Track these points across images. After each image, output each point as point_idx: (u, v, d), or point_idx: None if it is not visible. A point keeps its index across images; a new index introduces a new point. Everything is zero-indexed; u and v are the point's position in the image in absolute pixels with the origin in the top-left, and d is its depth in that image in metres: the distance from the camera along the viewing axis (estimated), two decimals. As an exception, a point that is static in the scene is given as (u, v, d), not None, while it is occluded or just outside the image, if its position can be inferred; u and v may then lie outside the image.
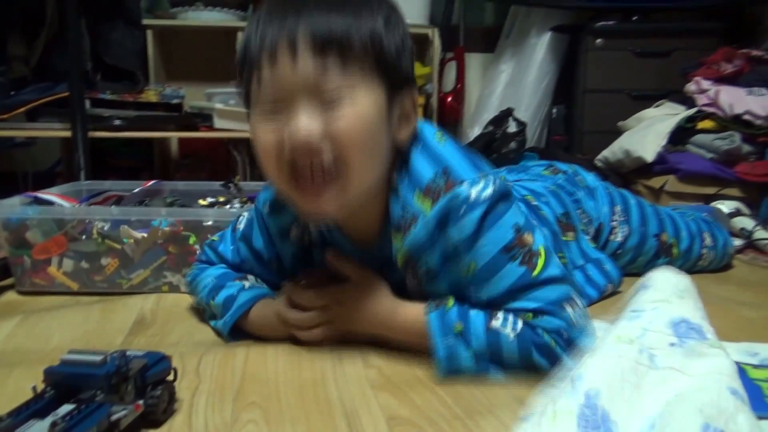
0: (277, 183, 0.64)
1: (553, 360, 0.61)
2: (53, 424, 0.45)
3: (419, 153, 0.66)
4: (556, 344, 0.61)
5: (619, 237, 1.00)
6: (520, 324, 0.62)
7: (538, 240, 0.65)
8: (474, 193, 0.62)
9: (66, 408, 0.48)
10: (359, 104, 0.59)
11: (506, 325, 0.62)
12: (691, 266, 1.08)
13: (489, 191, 0.62)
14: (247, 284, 0.77)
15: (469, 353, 0.63)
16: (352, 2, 0.59)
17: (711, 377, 0.48)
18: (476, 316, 0.64)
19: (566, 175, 1.01)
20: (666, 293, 0.59)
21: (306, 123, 0.57)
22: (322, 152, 0.58)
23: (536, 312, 0.62)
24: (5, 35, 1.58)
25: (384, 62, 0.60)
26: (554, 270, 0.64)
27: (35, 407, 0.48)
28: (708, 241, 1.09)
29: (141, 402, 0.52)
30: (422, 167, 0.65)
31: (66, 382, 0.50)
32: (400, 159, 0.66)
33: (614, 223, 1.00)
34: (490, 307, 0.64)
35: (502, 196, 0.64)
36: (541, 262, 0.63)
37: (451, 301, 0.66)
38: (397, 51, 0.61)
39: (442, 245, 0.65)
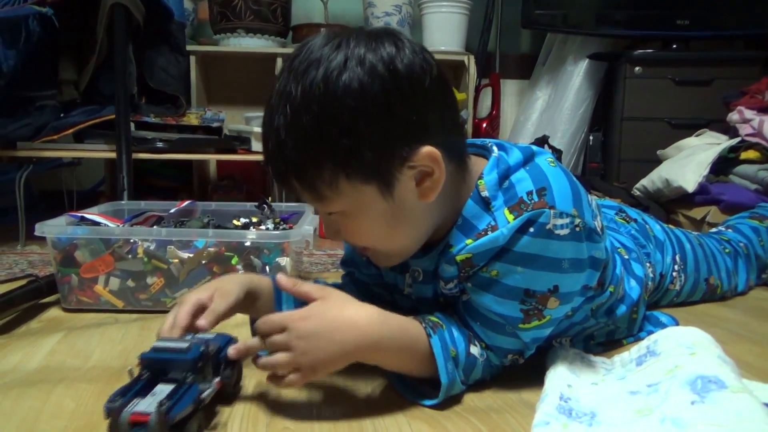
0: None
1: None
2: (160, 404, 0.50)
3: (525, 170, 0.65)
4: (497, 371, 0.69)
5: (677, 286, 1.01)
6: (485, 352, 0.67)
7: (558, 312, 0.66)
8: (553, 224, 0.61)
9: (161, 388, 0.54)
10: (356, 210, 0.62)
11: (478, 352, 0.66)
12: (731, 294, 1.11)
13: (566, 231, 0.61)
14: None
15: (459, 377, 0.64)
16: (312, 131, 0.56)
17: (741, 425, 0.48)
18: (459, 339, 0.65)
19: (637, 224, 0.99)
20: (676, 357, 0.60)
21: (332, 233, 0.66)
22: (365, 249, 0.68)
23: (489, 348, 0.67)
24: (58, 61, 1.66)
25: (359, 170, 0.58)
26: (537, 335, 0.67)
27: (136, 387, 0.54)
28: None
29: (218, 379, 0.59)
30: (524, 182, 0.63)
31: (158, 366, 0.57)
32: (504, 176, 0.65)
33: (675, 273, 1.00)
34: (465, 310, 0.67)
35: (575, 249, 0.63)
36: (534, 324, 0.65)
37: (436, 319, 0.66)
38: (373, 149, 0.57)
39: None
